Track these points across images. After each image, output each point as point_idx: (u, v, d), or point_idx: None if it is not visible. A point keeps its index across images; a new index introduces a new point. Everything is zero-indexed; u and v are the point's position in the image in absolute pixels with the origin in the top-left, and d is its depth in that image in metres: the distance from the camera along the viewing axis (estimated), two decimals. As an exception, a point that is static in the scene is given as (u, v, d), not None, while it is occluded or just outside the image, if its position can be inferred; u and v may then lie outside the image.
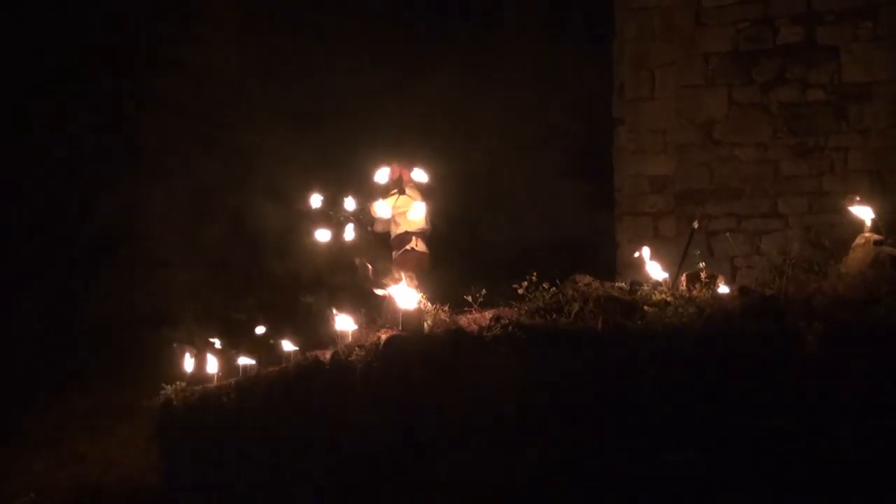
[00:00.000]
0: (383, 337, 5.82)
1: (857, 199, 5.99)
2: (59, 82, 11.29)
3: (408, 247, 7.69)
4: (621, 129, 8.85)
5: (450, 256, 8.46)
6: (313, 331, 6.94)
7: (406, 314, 5.95)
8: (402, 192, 7.79)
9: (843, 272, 5.24)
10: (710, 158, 8.43)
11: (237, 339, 7.83)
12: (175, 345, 8.39)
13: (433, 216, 7.91)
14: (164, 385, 7.70)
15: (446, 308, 5.94)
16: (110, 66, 11.48)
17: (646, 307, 5.22)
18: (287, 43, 11.54)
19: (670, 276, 5.74)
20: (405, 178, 7.89)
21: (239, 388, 6.94)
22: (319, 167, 8.92)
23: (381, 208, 7.78)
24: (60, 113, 11.32)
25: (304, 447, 6.09)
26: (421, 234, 7.82)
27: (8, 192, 11.19)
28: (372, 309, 7.01)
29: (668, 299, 5.28)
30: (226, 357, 7.62)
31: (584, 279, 5.72)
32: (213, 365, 7.65)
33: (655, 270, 5.75)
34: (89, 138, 11.42)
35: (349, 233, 7.84)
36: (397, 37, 11.32)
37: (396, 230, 7.79)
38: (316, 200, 8.01)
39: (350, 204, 7.93)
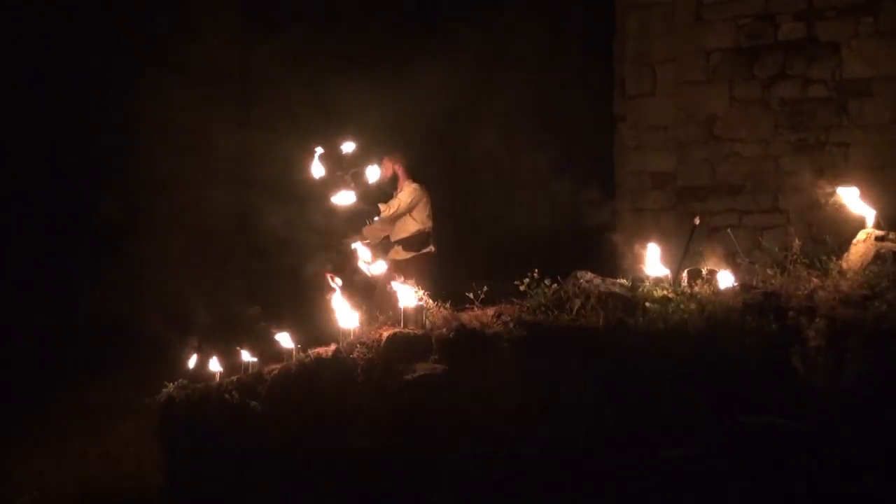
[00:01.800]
0: (385, 334, 5.83)
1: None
2: (60, 80, 11.29)
3: (426, 250, 7.58)
4: (622, 126, 8.87)
5: (450, 253, 8.45)
6: (315, 327, 6.93)
7: (407, 311, 5.96)
8: (396, 187, 7.62)
9: (844, 268, 5.24)
10: (711, 154, 8.44)
11: (239, 336, 7.82)
12: (176, 342, 8.40)
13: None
14: (165, 383, 7.70)
15: (448, 305, 5.94)
16: (112, 63, 11.48)
17: (647, 303, 5.23)
18: (275, 31, 11.50)
19: (672, 272, 5.74)
20: (400, 173, 7.70)
21: (241, 385, 6.93)
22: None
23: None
24: (61, 111, 11.33)
25: (306, 444, 6.10)
26: (430, 234, 7.68)
27: (8, 190, 11.20)
28: (374, 306, 7.00)
29: (670, 295, 5.28)
30: (227, 354, 7.62)
31: (585, 275, 5.72)
32: (214, 363, 7.66)
33: (657, 267, 5.75)
34: (90, 137, 11.42)
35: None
36: (388, 30, 11.30)
37: (405, 228, 7.60)
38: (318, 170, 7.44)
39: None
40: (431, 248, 7.60)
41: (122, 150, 11.44)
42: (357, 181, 7.42)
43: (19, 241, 11.18)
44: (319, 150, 7.41)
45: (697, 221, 6.84)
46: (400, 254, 7.64)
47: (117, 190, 11.24)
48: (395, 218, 7.64)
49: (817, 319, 4.57)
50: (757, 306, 4.85)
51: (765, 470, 4.18)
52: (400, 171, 7.75)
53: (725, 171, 8.38)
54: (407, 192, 7.64)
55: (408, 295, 6.01)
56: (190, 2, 11.72)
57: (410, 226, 7.63)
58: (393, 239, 7.72)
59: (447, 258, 8.13)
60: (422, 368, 5.48)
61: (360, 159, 7.53)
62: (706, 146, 8.44)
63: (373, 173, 7.45)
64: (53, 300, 11.05)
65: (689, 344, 4.82)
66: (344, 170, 7.44)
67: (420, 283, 7.08)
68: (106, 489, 8.44)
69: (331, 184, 7.46)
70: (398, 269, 7.44)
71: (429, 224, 7.67)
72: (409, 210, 7.63)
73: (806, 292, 4.87)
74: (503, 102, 10.71)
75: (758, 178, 8.26)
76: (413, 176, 7.87)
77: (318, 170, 7.42)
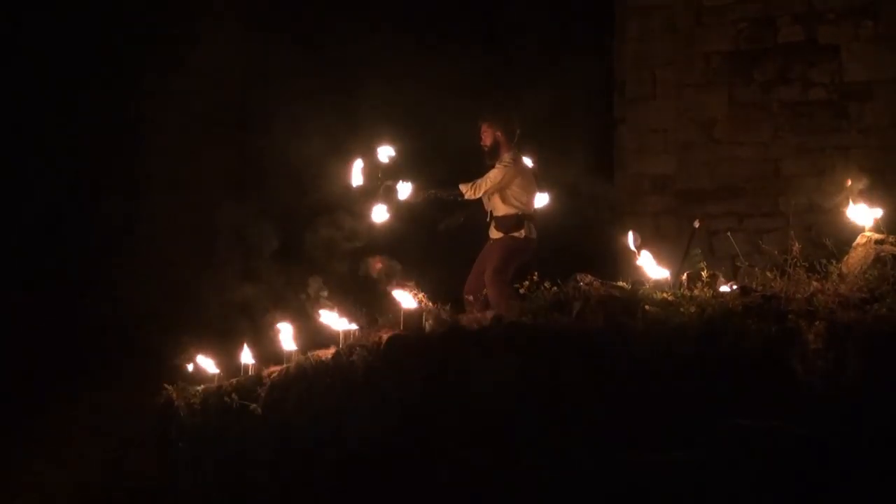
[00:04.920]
0: (384, 337, 5.83)
1: None
2: (62, 80, 11.30)
3: (516, 234, 6.73)
4: (622, 129, 8.88)
5: (450, 255, 8.43)
6: (314, 330, 6.93)
7: (407, 314, 5.96)
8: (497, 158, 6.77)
9: (844, 271, 5.24)
10: (710, 158, 8.45)
11: (238, 338, 7.81)
12: (177, 344, 8.39)
13: None
14: (165, 385, 7.71)
15: (447, 307, 5.94)
16: (114, 65, 11.48)
17: (647, 306, 5.22)
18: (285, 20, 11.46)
19: (671, 275, 5.74)
20: (501, 140, 6.85)
21: (240, 388, 6.94)
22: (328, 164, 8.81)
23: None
24: (62, 112, 11.33)
25: (305, 447, 6.10)
26: (532, 219, 6.85)
27: (8, 190, 11.21)
28: (374, 308, 7.00)
29: (670, 298, 5.28)
30: (227, 357, 7.62)
31: (585, 278, 5.72)
32: (214, 365, 7.66)
33: (657, 270, 5.75)
34: (91, 136, 11.42)
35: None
36: (386, 32, 11.27)
37: (496, 207, 6.82)
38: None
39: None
40: (523, 232, 6.67)
41: (123, 150, 11.43)
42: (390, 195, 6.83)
43: (19, 242, 11.18)
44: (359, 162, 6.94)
45: (697, 224, 6.84)
46: (494, 233, 6.85)
47: (117, 191, 11.24)
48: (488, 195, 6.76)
49: (817, 322, 4.57)
50: (756, 309, 4.85)
51: (763, 473, 4.18)
52: (502, 139, 6.84)
53: (725, 174, 8.39)
54: (496, 170, 6.70)
55: (408, 298, 6.02)
56: (191, 1, 11.71)
57: (500, 207, 6.74)
58: (494, 215, 6.87)
59: (446, 260, 8.10)
60: (421, 372, 5.48)
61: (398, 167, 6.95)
62: (706, 149, 8.45)
63: (405, 190, 6.78)
64: (54, 302, 11.05)
65: (688, 346, 4.82)
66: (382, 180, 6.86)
67: (502, 267, 6.59)
68: (104, 491, 8.45)
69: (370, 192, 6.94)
70: (489, 248, 6.84)
71: (523, 206, 6.74)
72: (499, 190, 6.71)
73: (805, 295, 4.87)
74: (501, 104, 10.69)
75: (757, 182, 8.27)
76: (516, 144, 6.89)
77: (357, 179, 6.95)
